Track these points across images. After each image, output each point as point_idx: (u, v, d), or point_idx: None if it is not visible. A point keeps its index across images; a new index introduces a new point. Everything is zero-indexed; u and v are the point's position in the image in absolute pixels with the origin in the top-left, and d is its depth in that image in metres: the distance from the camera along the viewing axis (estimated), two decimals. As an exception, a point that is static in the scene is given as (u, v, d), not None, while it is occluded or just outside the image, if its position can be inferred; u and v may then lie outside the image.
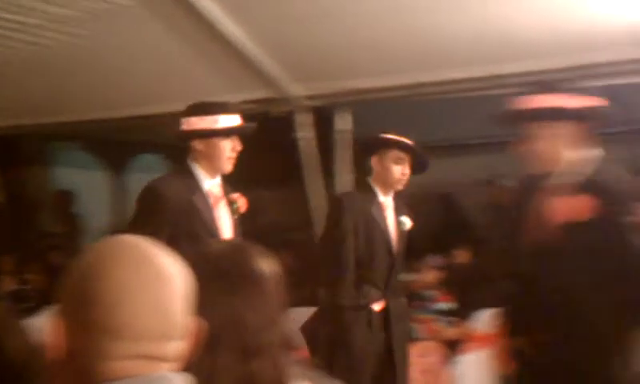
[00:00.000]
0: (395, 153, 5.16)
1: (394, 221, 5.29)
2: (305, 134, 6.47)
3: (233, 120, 4.48)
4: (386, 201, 5.26)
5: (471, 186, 8.93)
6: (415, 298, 7.12)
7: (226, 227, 4.51)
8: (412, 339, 6.70)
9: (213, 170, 4.47)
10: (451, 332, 6.63)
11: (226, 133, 4.44)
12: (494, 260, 7.05)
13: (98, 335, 1.56)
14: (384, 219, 5.23)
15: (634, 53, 5.11)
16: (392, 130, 5.23)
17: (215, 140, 4.43)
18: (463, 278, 7.05)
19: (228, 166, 4.47)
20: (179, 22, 5.51)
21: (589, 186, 3.76)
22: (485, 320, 6.55)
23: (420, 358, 6.46)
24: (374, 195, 5.21)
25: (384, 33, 5.41)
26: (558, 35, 5.07)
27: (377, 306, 5.18)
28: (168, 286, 1.63)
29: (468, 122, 8.23)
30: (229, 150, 4.45)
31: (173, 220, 4.23)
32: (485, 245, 7.31)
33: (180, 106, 6.61)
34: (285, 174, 7.39)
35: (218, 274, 2.06)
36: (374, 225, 5.17)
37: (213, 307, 1.96)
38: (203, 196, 4.43)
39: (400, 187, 5.24)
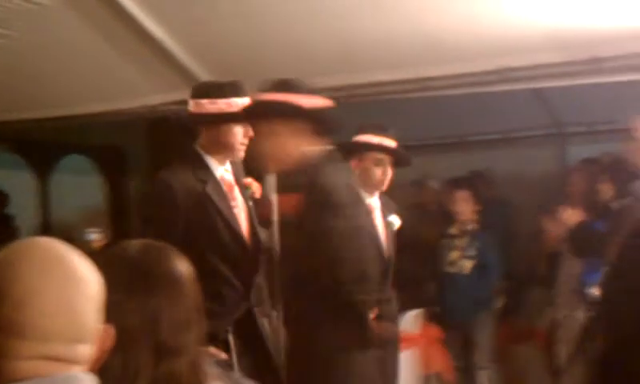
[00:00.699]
0: (373, 155, 5.08)
1: (382, 222, 5.16)
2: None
3: (245, 103, 4.22)
4: (373, 202, 5.14)
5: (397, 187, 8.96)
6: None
7: (241, 214, 4.29)
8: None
9: (224, 156, 4.24)
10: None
11: (243, 117, 4.18)
12: (421, 261, 7.17)
13: (5, 334, 1.55)
14: (372, 222, 5.07)
15: (551, 57, 5.20)
16: (369, 130, 5.17)
17: (227, 125, 4.18)
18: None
19: (241, 152, 4.23)
20: (105, 23, 5.47)
21: (305, 185, 3.81)
22: (410, 321, 6.66)
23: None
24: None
25: (308, 34, 5.44)
26: (480, 39, 5.14)
27: (371, 314, 4.96)
28: (79, 289, 1.63)
29: (396, 124, 8.30)
30: (242, 136, 4.21)
31: (187, 213, 4.03)
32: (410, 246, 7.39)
33: (107, 107, 6.64)
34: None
35: (134, 275, 2.07)
36: (362, 228, 4.85)
37: (130, 308, 1.97)
38: (217, 184, 4.20)
39: (383, 188, 5.15)
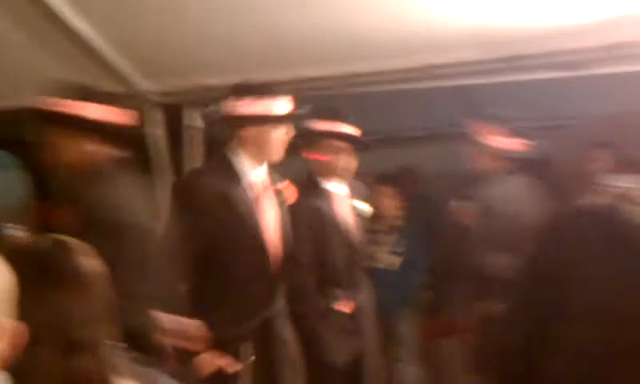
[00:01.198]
0: (330, 142, 4.89)
1: (348, 209, 4.99)
2: (156, 130, 6.40)
3: (287, 104, 4.21)
4: (335, 188, 4.95)
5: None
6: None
7: (270, 219, 4.22)
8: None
9: (261, 158, 4.19)
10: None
11: (286, 119, 4.19)
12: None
13: None
14: (335, 210, 4.91)
15: (473, 54, 5.27)
16: (326, 117, 4.97)
17: (269, 126, 4.16)
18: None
19: (280, 155, 4.20)
20: (27, 17, 5.39)
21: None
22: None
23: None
24: (321, 187, 4.90)
25: (236, 29, 5.41)
26: (404, 36, 5.18)
27: (346, 308, 4.91)
28: None
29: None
30: (282, 137, 4.19)
31: (210, 215, 4.00)
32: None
33: (30, 102, 6.53)
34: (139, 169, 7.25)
35: (40, 270, 2.06)
36: (326, 219, 4.84)
37: (35, 303, 1.96)
38: (242, 188, 4.14)
39: (348, 176, 4.95)
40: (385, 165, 8.07)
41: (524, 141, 5.90)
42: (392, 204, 6.97)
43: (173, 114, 6.50)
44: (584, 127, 8.18)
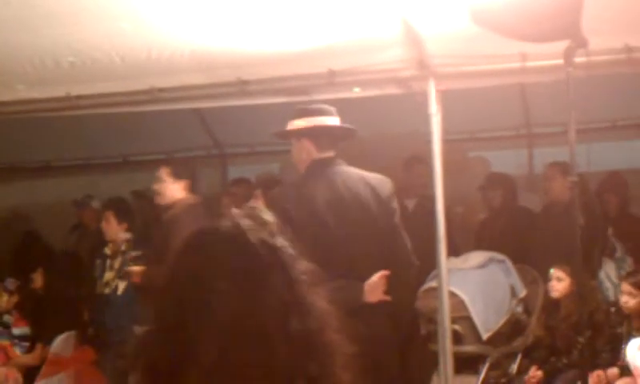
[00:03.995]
0: None
1: None
2: None
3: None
4: None
5: (56, 207, 8.67)
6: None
7: None
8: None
9: None
10: (26, 358, 6.49)
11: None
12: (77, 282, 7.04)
13: None
14: None
15: (198, 78, 5.27)
16: None
17: None
18: (37, 302, 6.94)
19: None
20: None
21: None
22: (61, 344, 6.53)
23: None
24: None
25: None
26: (128, 59, 5.08)
27: None
28: None
29: (62, 143, 8.09)
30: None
31: None
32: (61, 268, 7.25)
33: None
34: None
35: None
36: None
37: None
38: None
39: None
40: (123, 188, 7.99)
41: None
42: (112, 228, 6.78)
43: None
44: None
